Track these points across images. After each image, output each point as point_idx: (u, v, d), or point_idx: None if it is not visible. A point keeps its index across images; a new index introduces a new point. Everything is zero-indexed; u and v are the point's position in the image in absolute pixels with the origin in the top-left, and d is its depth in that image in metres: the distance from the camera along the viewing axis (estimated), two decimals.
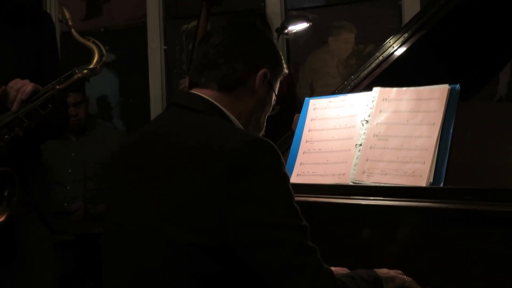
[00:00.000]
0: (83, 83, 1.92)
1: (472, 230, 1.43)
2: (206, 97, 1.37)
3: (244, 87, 1.40)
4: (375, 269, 1.42)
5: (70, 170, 3.34)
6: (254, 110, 1.43)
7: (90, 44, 1.93)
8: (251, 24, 1.49)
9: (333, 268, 1.36)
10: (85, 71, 1.89)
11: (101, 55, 1.92)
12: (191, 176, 1.22)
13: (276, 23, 3.56)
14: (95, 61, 1.91)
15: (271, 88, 1.45)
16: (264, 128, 1.50)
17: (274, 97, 1.48)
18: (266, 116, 1.49)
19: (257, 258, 1.20)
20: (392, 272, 1.43)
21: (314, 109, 1.92)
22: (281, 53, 1.51)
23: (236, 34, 1.43)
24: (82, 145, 3.41)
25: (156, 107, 4.06)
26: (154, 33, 4.09)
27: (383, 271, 1.42)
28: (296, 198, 1.27)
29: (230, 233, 1.19)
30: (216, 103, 1.37)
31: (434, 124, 1.64)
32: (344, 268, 1.51)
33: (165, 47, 4.10)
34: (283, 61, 1.51)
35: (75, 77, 1.88)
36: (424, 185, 1.57)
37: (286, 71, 1.52)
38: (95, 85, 4.00)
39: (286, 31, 3.35)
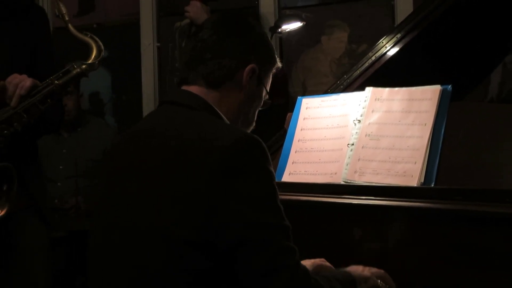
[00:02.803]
0: (80, 78, 1.92)
1: (462, 230, 1.44)
2: (196, 94, 1.37)
3: (231, 82, 1.39)
4: (351, 267, 1.44)
5: (61, 167, 3.33)
6: (242, 105, 1.43)
7: (87, 39, 1.94)
8: (241, 19, 1.47)
9: (311, 260, 1.42)
10: (84, 66, 1.89)
11: (99, 50, 1.92)
12: (183, 173, 1.23)
13: (269, 22, 3.56)
14: (93, 56, 1.92)
15: (260, 83, 1.45)
16: (254, 123, 1.49)
17: (265, 92, 1.48)
18: (256, 111, 1.49)
19: (240, 255, 1.21)
20: (366, 272, 1.44)
21: (306, 108, 1.92)
22: (274, 48, 1.49)
23: (225, 29, 1.42)
24: (74, 141, 3.39)
25: (148, 104, 4.05)
26: (147, 30, 4.08)
27: (358, 270, 1.44)
28: (288, 197, 1.28)
29: (216, 230, 1.20)
30: (205, 100, 1.37)
31: (425, 125, 1.65)
32: (323, 259, 1.52)
33: (158, 44, 4.09)
34: (276, 56, 1.49)
35: (74, 72, 1.88)
36: (415, 185, 1.57)
37: (279, 65, 1.51)
38: (87, 81, 3.97)
39: (279, 30, 3.35)
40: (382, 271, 1.47)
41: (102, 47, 1.93)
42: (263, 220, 1.21)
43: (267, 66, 1.46)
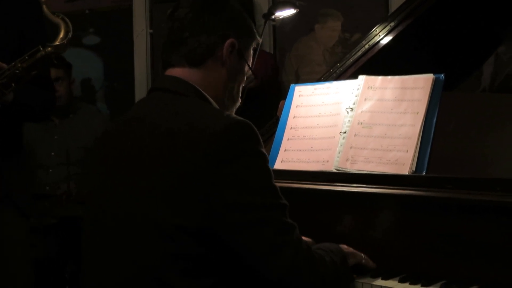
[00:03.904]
0: (50, 60, 1.87)
1: (453, 218, 1.45)
2: (183, 79, 1.37)
3: (212, 59, 1.39)
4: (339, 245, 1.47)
5: (52, 153, 3.32)
6: (226, 81, 1.42)
7: (58, 20, 1.87)
8: None
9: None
10: (49, 48, 1.84)
11: (66, 32, 1.86)
12: (175, 161, 1.23)
13: (263, 8, 3.54)
14: (60, 37, 1.85)
15: (242, 58, 1.44)
16: (239, 99, 1.49)
17: (247, 67, 1.47)
18: (241, 86, 1.48)
19: (242, 239, 1.22)
20: (351, 249, 1.48)
21: (299, 95, 1.92)
22: (252, 22, 1.48)
23: (199, 5, 1.41)
24: (66, 128, 3.38)
25: (140, 91, 4.03)
26: (140, 16, 4.05)
27: (344, 247, 1.47)
28: (280, 184, 1.29)
29: (214, 216, 1.21)
30: (193, 84, 1.36)
31: (418, 113, 1.65)
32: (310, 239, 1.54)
33: (151, 30, 4.06)
34: (255, 29, 1.48)
35: (38, 54, 1.82)
36: (407, 173, 1.58)
37: (259, 39, 1.50)
38: (79, 68, 3.96)
39: (273, 17, 3.34)
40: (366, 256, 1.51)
41: (71, 29, 1.86)
42: (262, 201, 1.23)
43: (246, 39, 1.45)
